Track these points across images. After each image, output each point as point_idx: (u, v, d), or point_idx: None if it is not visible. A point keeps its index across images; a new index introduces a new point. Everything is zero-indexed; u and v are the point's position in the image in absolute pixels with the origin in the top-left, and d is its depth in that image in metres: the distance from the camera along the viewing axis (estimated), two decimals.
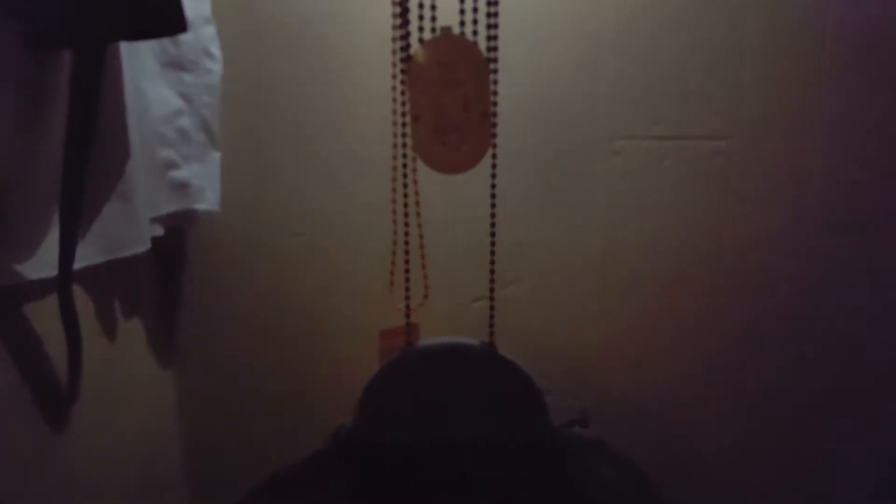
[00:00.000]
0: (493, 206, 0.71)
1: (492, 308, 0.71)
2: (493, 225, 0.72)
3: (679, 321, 0.89)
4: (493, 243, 0.72)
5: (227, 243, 0.87)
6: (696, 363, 0.90)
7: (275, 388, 0.91)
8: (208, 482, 0.92)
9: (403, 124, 0.67)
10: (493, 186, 0.71)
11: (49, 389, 0.62)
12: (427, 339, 0.73)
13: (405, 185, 0.68)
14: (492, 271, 0.73)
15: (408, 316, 0.70)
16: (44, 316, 0.60)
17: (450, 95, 0.64)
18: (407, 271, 0.69)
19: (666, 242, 0.87)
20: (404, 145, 0.67)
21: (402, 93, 0.67)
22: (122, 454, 0.75)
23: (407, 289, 0.69)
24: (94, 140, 0.56)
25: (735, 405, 0.91)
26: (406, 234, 0.70)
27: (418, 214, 0.73)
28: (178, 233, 0.85)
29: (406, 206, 0.69)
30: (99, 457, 0.71)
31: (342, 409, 0.76)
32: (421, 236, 0.74)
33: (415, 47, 0.66)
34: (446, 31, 0.65)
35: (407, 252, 0.70)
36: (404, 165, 0.68)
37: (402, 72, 0.66)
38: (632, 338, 0.90)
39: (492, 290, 0.73)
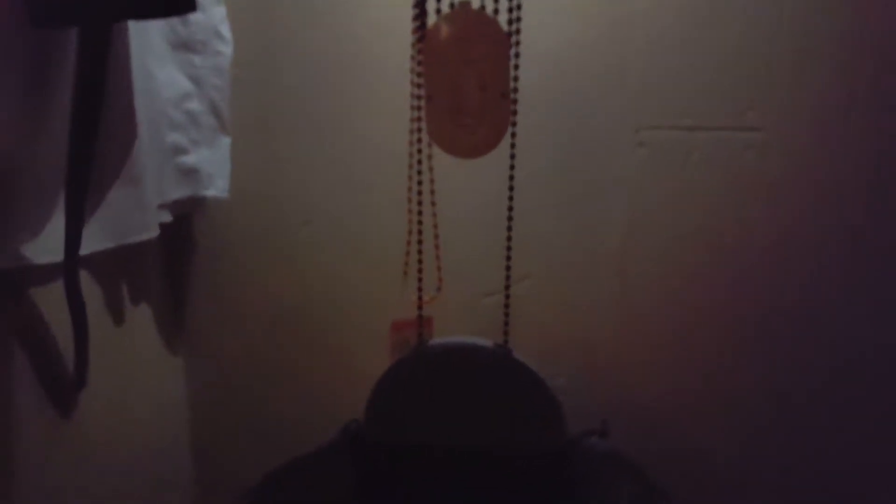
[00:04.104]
0: (510, 197, 0.71)
1: (507, 306, 0.72)
2: (510, 218, 0.72)
3: (702, 321, 0.88)
4: (509, 237, 0.72)
5: (236, 231, 0.89)
6: (719, 365, 0.89)
7: (284, 377, 0.92)
8: (217, 469, 0.94)
9: (419, 107, 0.67)
10: (512, 178, 0.70)
11: (56, 375, 0.64)
12: (440, 339, 0.74)
13: (419, 173, 0.68)
14: (507, 266, 0.73)
15: (420, 308, 0.71)
16: (51, 301, 0.62)
17: (466, 74, 0.63)
18: (420, 262, 0.70)
19: (690, 240, 0.86)
20: (419, 129, 0.67)
21: (419, 73, 0.66)
22: (130, 439, 0.78)
23: (419, 280, 0.70)
24: (99, 122, 0.57)
25: (761, 408, 0.90)
26: (420, 223, 0.70)
27: (433, 203, 0.73)
28: (186, 219, 0.87)
29: (420, 193, 0.69)
30: (107, 442, 0.73)
31: (352, 399, 0.76)
32: (435, 226, 0.74)
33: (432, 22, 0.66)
34: (465, 4, 0.64)
35: (420, 242, 0.70)
36: (419, 151, 0.68)
37: (417, 49, 0.65)
38: (651, 338, 0.89)
39: (507, 286, 0.73)
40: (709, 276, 0.87)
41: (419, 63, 0.65)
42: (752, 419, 0.90)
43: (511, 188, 0.70)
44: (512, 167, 0.70)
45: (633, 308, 0.89)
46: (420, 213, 0.70)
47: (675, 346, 0.89)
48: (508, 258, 0.73)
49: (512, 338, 0.75)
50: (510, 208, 0.71)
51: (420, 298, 0.70)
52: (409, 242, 0.72)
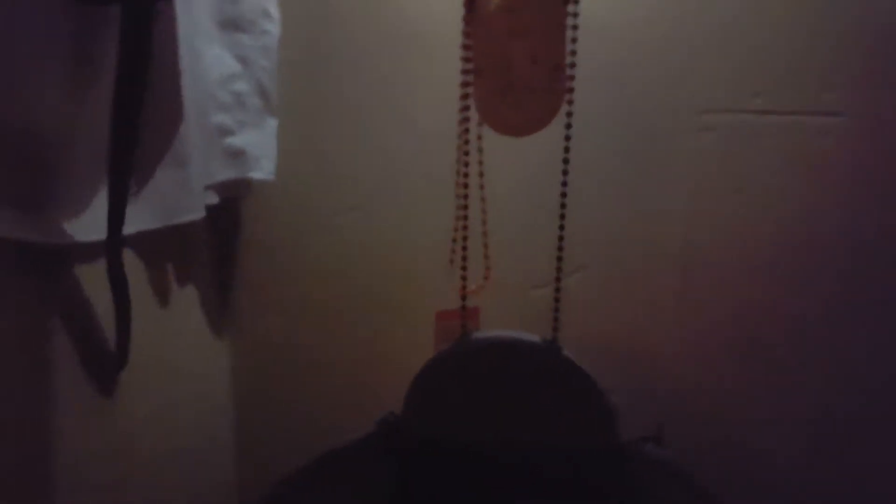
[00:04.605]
0: (564, 182, 0.67)
1: (557, 299, 0.68)
2: (563, 205, 0.68)
3: (769, 321, 0.83)
4: (561, 226, 0.69)
5: (282, 215, 0.88)
6: (786, 368, 0.84)
7: (328, 365, 0.91)
8: (258, 455, 0.94)
9: (468, 83, 0.64)
10: (566, 161, 0.67)
11: (98, 354, 0.64)
12: (484, 332, 0.71)
13: (467, 154, 0.65)
14: (559, 257, 0.70)
15: (463, 298, 0.68)
16: (94, 279, 0.62)
17: (517, 47, 0.60)
18: (465, 249, 0.67)
19: (758, 233, 0.81)
20: (468, 108, 0.64)
21: (467, 47, 0.63)
22: (172, 422, 0.78)
23: (463, 268, 0.67)
24: (143, 101, 0.57)
25: (830, 413, 0.84)
26: (466, 207, 0.67)
27: (482, 187, 0.70)
28: (233, 202, 0.86)
29: (467, 176, 0.66)
30: (148, 423, 0.73)
31: (397, 390, 0.74)
32: (484, 211, 0.71)
33: None
34: None
35: (466, 228, 0.67)
36: (466, 131, 0.65)
37: (465, 21, 0.62)
38: (713, 337, 0.84)
39: (558, 277, 0.69)
40: (778, 273, 0.82)
41: (467, 35, 0.62)
42: (820, 425, 0.85)
43: (565, 172, 0.67)
44: (566, 149, 0.66)
45: (695, 305, 0.84)
46: (467, 196, 0.67)
47: (739, 347, 0.84)
48: (560, 248, 0.70)
49: (562, 334, 0.71)
50: (563, 194, 0.67)
51: (464, 287, 0.67)
52: (455, 228, 0.69)
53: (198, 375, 0.86)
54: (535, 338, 0.69)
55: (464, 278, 0.67)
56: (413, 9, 0.81)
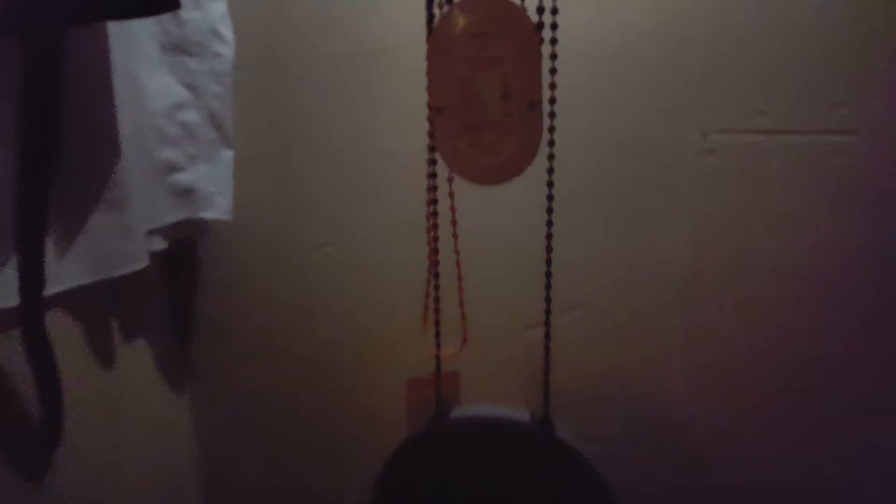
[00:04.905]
0: (549, 209, 0.60)
1: (547, 347, 0.60)
2: (549, 237, 0.61)
3: (781, 361, 0.77)
4: (548, 261, 0.62)
5: (242, 255, 0.81)
6: (803, 415, 0.77)
7: (297, 419, 0.84)
8: None
9: (431, 121, 0.56)
10: (551, 199, 0.59)
11: (24, 434, 0.56)
12: (463, 408, 0.62)
13: (434, 201, 0.57)
14: (547, 297, 0.62)
15: (438, 367, 0.59)
16: (12, 350, 0.53)
17: (485, 79, 0.53)
18: (437, 311, 0.58)
19: (767, 264, 0.75)
20: (433, 149, 0.56)
21: (430, 78, 0.56)
22: (127, 489, 0.69)
23: (437, 335, 0.59)
24: (56, 144, 0.49)
25: (854, 467, 0.78)
26: (437, 263, 0.59)
27: (455, 236, 0.62)
28: (188, 244, 0.79)
29: (436, 227, 0.57)
30: (98, 498, 0.65)
31: (365, 446, 0.72)
32: (458, 265, 0.63)
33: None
34: None
35: (437, 288, 0.59)
36: (433, 175, 0.57)
37: (428, 47, 0.55)
38: (721, 381, 0.78)
39: (547, 321, 0.62)
40: (791, 307, 0.76)
41: (429, 65, 0.54)
42: (834, 466, 0.79)
43: (550, 210, 0.60)
44: (550, 184, 0.59)
45: (700, 346, 0.78)
46: (437, 252, 0.59)
47: (750, 392, 0.78)
48: (548, 285, 0.63)
49: (556, 377, 0.64)
50: (549, 235, 0.60)
51: (438, 357, 0.59)
52: (428, 282, 0.60)
53: (156, 435, 0.78)
54: (523, 414, 0.61)
55: (438, 346, 0.58)
56: (381, 27, 0.74)
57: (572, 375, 0.77)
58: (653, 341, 0.78)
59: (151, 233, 0.67)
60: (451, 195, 0.61)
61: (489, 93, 0.53)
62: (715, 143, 0.74)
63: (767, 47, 0.72)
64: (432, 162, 0.56)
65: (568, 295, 0.77)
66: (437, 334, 0.58)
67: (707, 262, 0.76)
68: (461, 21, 0.52)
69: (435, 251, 0.57)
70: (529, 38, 0.53)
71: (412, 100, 0.71)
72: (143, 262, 0.64)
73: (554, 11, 0.53)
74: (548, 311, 0.63)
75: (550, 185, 0.58)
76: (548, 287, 0.63)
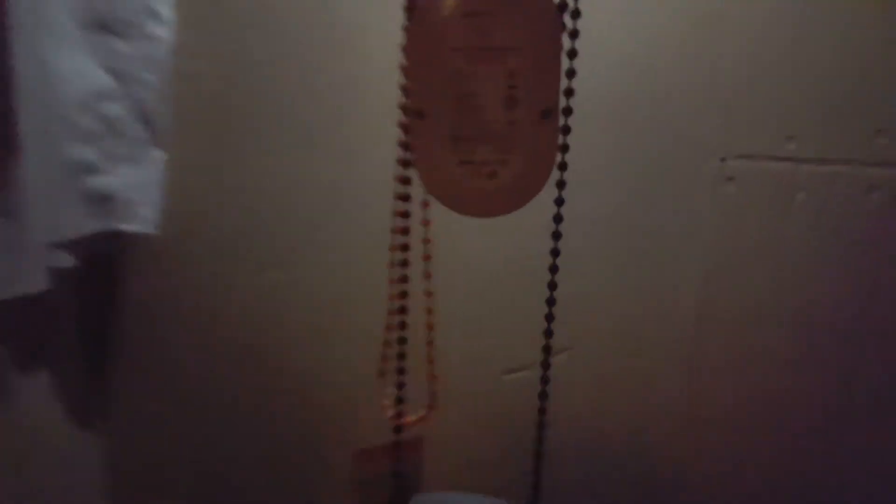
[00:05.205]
0: (556, 234, 0.50)
1: (543, 393, 0.50)
2: (554, 269, 0.51)
3: (798, 424, 0.71)
4: (551, 300, 0.52)
5: (172, 276, 0.72)
6: (820, 481, 0.71)
7: (220, 476, 0.75)
8: None
9: (406, 128, 0.46)
10: (560, 202, 0.49)
11: None
12: (428, 497, 0.51)
13: (405, 230, 0.45)
14: (548, 331, 0.53)
15: (398, 431, 0.48)
16: None
17: (484, 76, 0.41)
18: (401, 371, 0.47)
19: (788, 312, 0.70)
20: (406, 163, 0.45)
21: (406, 73, 0.45)
22: None
23: (399, 398, 0.47)
24: None
25: None
26: (400, 311, 0.47)
27: (427, 274, 0.50)
28: (106, 261, 0.70)
29: (406, 264, 0.46)
30: None
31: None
32: (430, 310, 0.51)
33: None
34: None
35: (402, 340, 0.47)
36: (406, 197, 0.46)
37: (405, 33, 0.43)
38: (729, 440, 0.72)
39: (546, 362, 0.52)
40: (810, 363, 0.71)
41: (406, 56, 0.43)
42: None
43: (557, 235, 0.50)
44: (559, 201, 0.48)
45: (707, 397, 0.73)
46: (405, 295, 0.48)
47: (761, 453, 0.73)
48: (550, 317, 0.53)
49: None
50: (555, 252, 0.50)
51: (398, 417, 0.47)
52: (387, 328, 0.48)
53: (62, 478, 0.68)
54: None
55: (399, 411, 0.47)
56: (359, 4, 0.66)
57: (561, 431, 0.68)
58: (653, 393, 0.72)
59: (56, 247, 0.58)
60: (426, 224, 0.49)
61: (489, 94, 0.41)
62: (735, 170, 0.68)
63: (800, 66, 0.67)
64: (404, 180, 0.45)
65: (558, 334, 0.68)
66: (400, 398, 0.47)
67: (719, 305, 0.70)
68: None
69: (400, 295, 0.45)
70: (549, 22, 0.41)
71: (390, 91, 0.63)
72: (39, 285, 0.54)
73: None
74: (546, 365, 0.52)
75: (560, 202, 0.48)
76: (549, 333, 0.52)
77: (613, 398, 0.72)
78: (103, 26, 0.59)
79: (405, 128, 0.44)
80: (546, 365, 0.51)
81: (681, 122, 0.67)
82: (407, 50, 0.42)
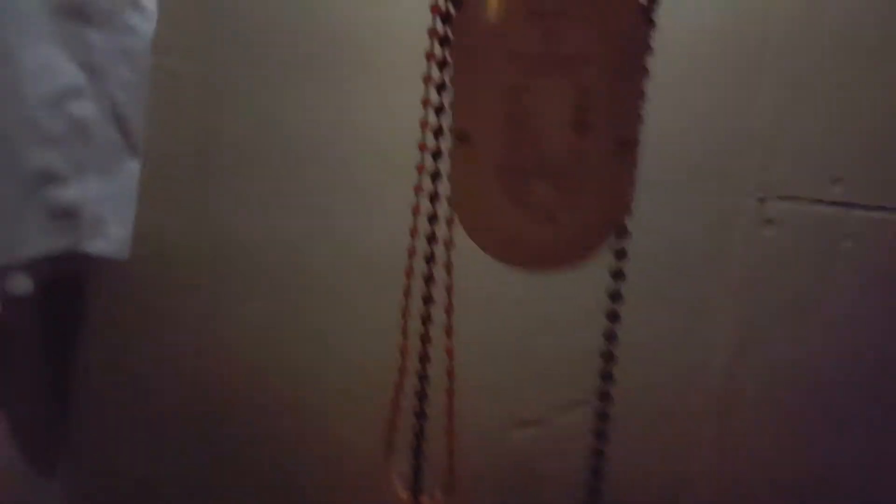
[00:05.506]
0: (616, 293, 0.43)
1: (599, 450, 0.44)
2: (613, 316, 0.44)
3: (839, 486, 0.65)
4: (609, 354, 0.45)
5: (145, 300, 0.65)
6: None
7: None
8: None
9: (436, 152, 0.39)
10: (622, 255, 0.42)
11: None
12: None
13: (428, 278, 0.38)
14: (606, 374, 0.46)
15: None
16: None
17: (546, 92, 0.34)
18: (417, 452, 0.39)
19: (830, 372, 0.64)
20: (434, 197, 0.38)
21: (440, 84, 0.38)
22: None
23: (417, 488, 0.40)
24: None
25: None
26: (423, 374, 0.40)
27: (449, 331, 0.42)
28: (71, 283, 0.63)
29: (428, 320, 0.39)
30: None
31: None
32: (451, 373, 0.43)
33: None
34: None
35: (421, 415, 0.40)
36: (432, 236, 0.38)
37: (439, 38, 0.36)
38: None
39: (606, 394, 0.45)
40: (854, 422, 0.65)
41: (441, 63, 0.36)
42: None
43: (619, 274, 0.42)
44: (618, 275, 0.41)
45: (739, 462, 0.67)
46: (426, 358, 0.40)
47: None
48: (610, 355, 0.46)
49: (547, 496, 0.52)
50: (613, 314, 0.43)
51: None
52: (396, 392, 0.41)
53: None
54: None
55: (417, 494, 0.40)
56: (367, 16, 0.59)
57: (566, 482, 0.63)
58: (678, 457, 0.66)
59: (12, 269, 0.50)
60: (449, 268, 0.41)
61: (553, 116, 0.34)
62: (775, 213, 0.62)
63: (850, 100, 0.61)
64: (433, 218, 0.38)
65: (572, 386, 0.64)
66: (419, 491, 0.40)
67: (753, 362, 0.64)
68: None
69: (420, 359, 0.38)
70: (634, 26, 0.34)
71: (402, 112, 0.56)
72: None
73: None
74: (605, 396, 0.44)
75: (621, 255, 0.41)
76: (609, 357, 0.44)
77: (636, 460, 0.65)
78: (77, 14, 0.52)
79: (437, 153, 0.37)
80: (605, 396, 0.44)
81: (715, 157, 0.61)
82: (455, 58, 0.35)
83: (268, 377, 0.65)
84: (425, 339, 0.40)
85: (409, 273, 0.40)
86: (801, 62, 0.61)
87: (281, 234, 0.64)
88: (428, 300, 0.39)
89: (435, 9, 0.36)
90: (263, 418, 0.66)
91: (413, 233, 0.39)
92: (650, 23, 0.34)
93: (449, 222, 0.39)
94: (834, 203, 0.62)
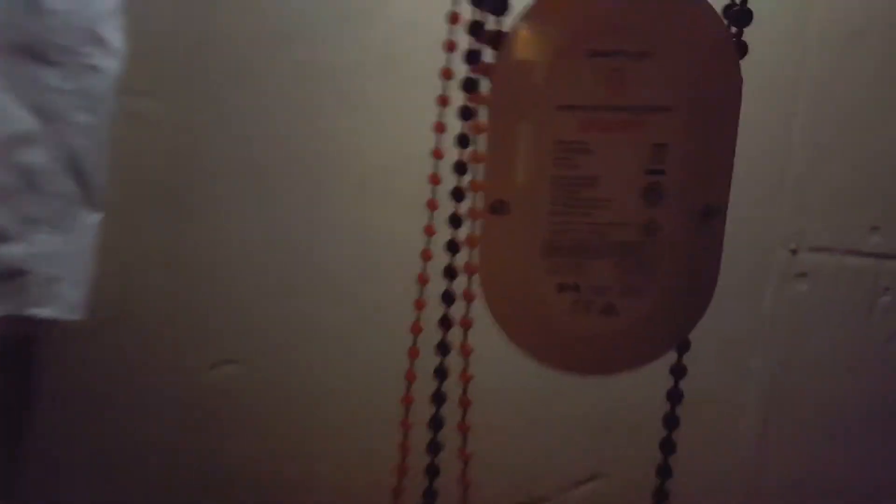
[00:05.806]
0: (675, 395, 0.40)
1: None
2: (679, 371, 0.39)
3: None
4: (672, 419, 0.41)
5: (101, 366, 0.59)
6: None
7: None
8: None
9: (455, 219, 0.33)
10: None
11: None
12: None
13: (442, 374, 0.32)
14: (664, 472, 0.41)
15: None
16: None
17: (609, 151, 0.28)
18: None
19: (868, 428, 0.61)
20: (452, 273, 0.31)
21: (463, 138, 0.32)
22: None
23: None
24: None
25: None
26: (432, 469, 0.34)
27: (465, 404, 0.36)
28: (20, 342, 0.57)
29: (442, 398, 0.33)
30: None
31: None
32: (464, 427, 0.36)
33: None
34: None
35: (432, 495, 0.34)
36: (447, 323, 0.33)
37: (468, 83, 0.30)
38: None
39: (670, 444, 0.41)
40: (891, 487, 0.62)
41: (465, 111, 0.30)
42: None
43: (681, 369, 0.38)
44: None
45: None
46: (438, 448, 0.35)
47: None
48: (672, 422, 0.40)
49: None
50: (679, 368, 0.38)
51: None
52: (401, 466, 0.35)
53: None
54: None
55: None
56: (361, 47, 0.56)
57: None
58: None
59: None
60: (466, 326, 0.34)
61: (617, 181, 0.28)
62: (808, 264, 0.60)
63: (887, 146, 0.59)
64: (448, 297, 0.32)
65: (583, 460, 0.59)
66: None
67: (785, 423, 0.60)
68: (566, 26, 0.27)
69: (431, 449, 0.33)
70: (723, 69, 0.28)
71: (403, 166, 0.53)
72: None
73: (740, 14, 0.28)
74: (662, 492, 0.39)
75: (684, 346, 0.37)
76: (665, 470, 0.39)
77: None
78: (30, 51, 0.48)
79: (456, 219, 0.31)
80: (669, 447, 0.38)
81: (744, 206, 0.56)
82: (491, 107, 0.29)
83: (242, 441, 0.60)
84: (437, 427, 0.35)
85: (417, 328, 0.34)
86: (834, 105, 0.58)
87: (257, 280, 0.59)
88: (444, 375, 0.33)
89: (450, 45, 0.29)
90: (241, 477, 0.60)
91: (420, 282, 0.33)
92: (738, 65, 0.28)
93: (467, 306, 0.33)
94: (870, 254, 0.59)
